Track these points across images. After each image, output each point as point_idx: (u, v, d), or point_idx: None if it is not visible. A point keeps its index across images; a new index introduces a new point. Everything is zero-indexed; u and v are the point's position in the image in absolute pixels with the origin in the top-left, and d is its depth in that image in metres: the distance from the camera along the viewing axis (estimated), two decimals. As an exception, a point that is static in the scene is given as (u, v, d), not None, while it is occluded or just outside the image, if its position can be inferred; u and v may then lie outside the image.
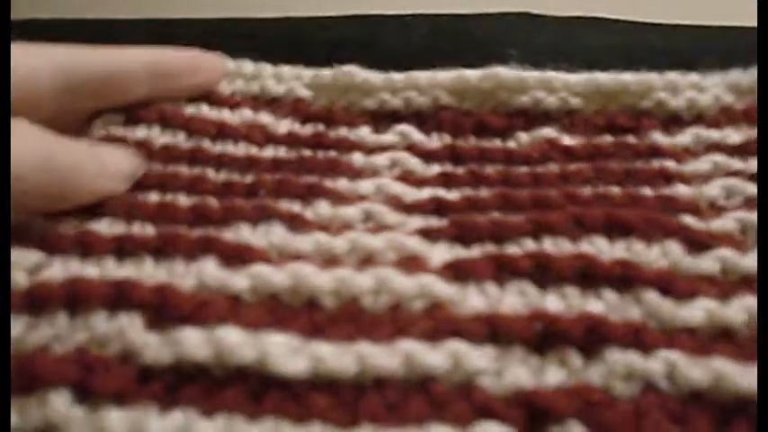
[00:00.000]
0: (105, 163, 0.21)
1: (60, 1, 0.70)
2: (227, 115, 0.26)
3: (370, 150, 0.25)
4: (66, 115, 0.22)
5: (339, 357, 0.17)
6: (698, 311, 0.18)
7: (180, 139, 0.25)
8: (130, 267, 0.19)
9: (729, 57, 0.49)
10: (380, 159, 0.25)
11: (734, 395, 0.16)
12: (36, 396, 0.16)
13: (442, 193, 0.23)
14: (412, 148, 0.26)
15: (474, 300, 0.18)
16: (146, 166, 0.23)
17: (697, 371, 0.16)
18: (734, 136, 0.25)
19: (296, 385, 0.16)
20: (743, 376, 0.16)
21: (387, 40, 0.49)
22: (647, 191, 0.23)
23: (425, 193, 0.23)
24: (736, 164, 0.24)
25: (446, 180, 0.24)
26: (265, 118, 0.27)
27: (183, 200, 0.22)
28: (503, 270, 0.19)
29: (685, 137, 0.25)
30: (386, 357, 0.17)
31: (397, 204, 0.23)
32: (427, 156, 0.25)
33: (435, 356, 0.17)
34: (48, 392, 0.16)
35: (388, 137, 0.26)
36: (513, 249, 0.19)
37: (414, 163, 0.25)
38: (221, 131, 0.26)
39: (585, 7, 0.51)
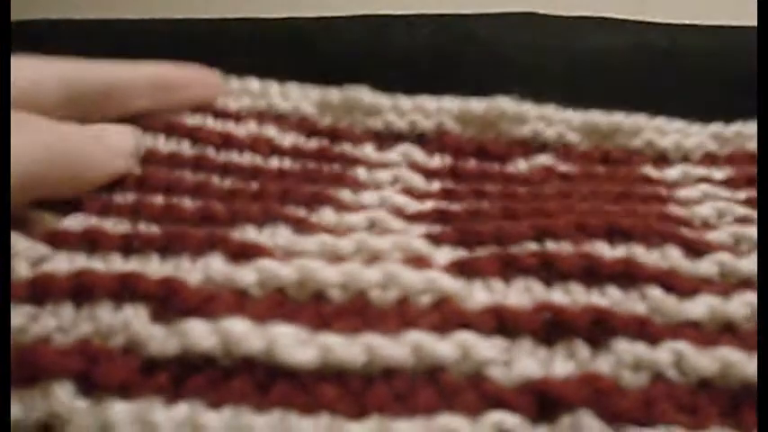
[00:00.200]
0: (110, 142, 0.22)
1: (60, 1, 0.69)
2: (231, 127, 0.27)
3: (374, 166, 0.26)
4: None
5: (347, 347, 0.16)
6: (700, 306, 0.18)
7: (184, 147, 0.25)
8: (137, 263, 0.19)
9: (732, 56, 0.49)
10: (383, 174, 0.25)
11: (741, 382, 0.16)
12: (39, 388, 0.16)
13: (444, 205, 0.24)
14: (414, 166, 0.26)
15: (480, 295, 0.19)
16: (150, 170, 0.24)
17: (704, 359, 0.17)
18: (719, 174, 0.26)
19: (303, 375, 0.16)
20: (750, 364, 0.16)
21: (392, 40, 0.49)
22: (642, 208, 0.23)
23: (428, 204, 0.24)
24: (724, 193, 0.25)
25: (448, 194, 0.25)
26: (271, 131, 0.27)
27: (188, 203, 0.22)
28: (508, 267, 0.19)
29: (674, 171, 0.27)
30: (394, 347, 0.17)
31: (400, 214, 0.23)
32: (429, 173, 0.26)
33: (444, 346, 0.17)
34: (51, 384, 0.16)
35: (392, 155, 0.27)
36: (516, 250, 0.20)
37: (416, 179, 0.25)
38: (226, 141, 0.26)
39: (591, 7, 0.51)
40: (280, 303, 0.18)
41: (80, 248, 0.20)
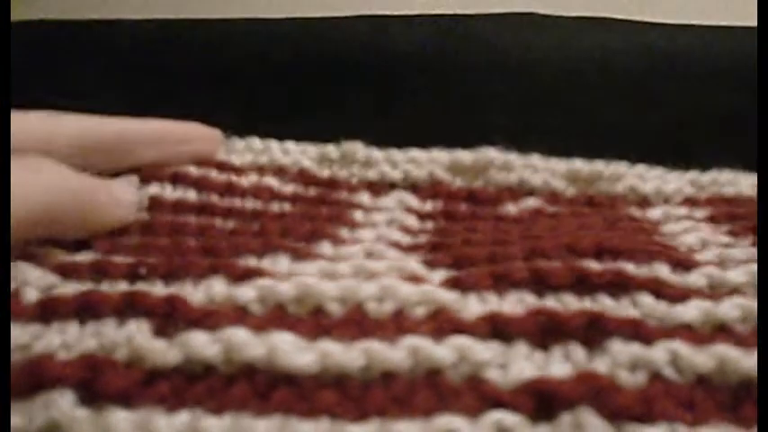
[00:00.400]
0: (114, 191, 0.24)
1: (60, 1, 0.69)
2: (234, 178, 0.28)
3: (370, 210, 0.28)
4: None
5: (346, 352, 0.17)
6: (692, 310, 0.18)
7: (189, 195, 0.27)
8: (142, 287, 0.20)
9: (731, 57, 0.49)
10: (379, 216, 0.27)
11: (739, 378, 0.17)
12: (40, 397, 0.16)
13: (438, 238, 0.25)
14: (409, 210, 0.28)
15: (475, 306, 0.19)
16: (156, 216, 0.25)
17: (701, 357, 0.17)
18: (699, 213, 0.28)
19: (303, 381, 0.17)
20: (746, 359, 0.17)
21: (392, 39, 0.50)
22: (630, 235, 0.24)
23: (422, 238, 0.25)
24: (707, 227, 0.26)
25: (441, 232, 0.26)
26: (271, 181, 0.29)
27: (193, 242, 0.23)
28: (500, 281, 0.20)
29: (657, 211, 0.28)
30: (392, 351, 0.17)
31: (396, 246, 0.24)
32: (423, 216, 0.27)
33: (441, 350, 0.17)
34: (52, 393, 0.16)
35: (387, 201, 0.29)
36: (508, 267, 0.20)
37: (410, 219, 0.27)
38: (229, 189, 0.27)
39: (591, 7, 0.51)
40: (280, 317, 0.18)
41: (88, 278, 0.20)
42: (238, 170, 0.29)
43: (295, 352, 0.17)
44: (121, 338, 0.18)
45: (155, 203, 0.25)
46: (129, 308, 0.18)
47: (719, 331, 0.18)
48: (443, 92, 0.50)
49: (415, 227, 0.26)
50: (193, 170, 0.28)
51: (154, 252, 0.22)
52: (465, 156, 0.30)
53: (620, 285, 0.19)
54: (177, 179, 0.27)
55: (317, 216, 0.26)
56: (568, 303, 0.19)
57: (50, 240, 0.22)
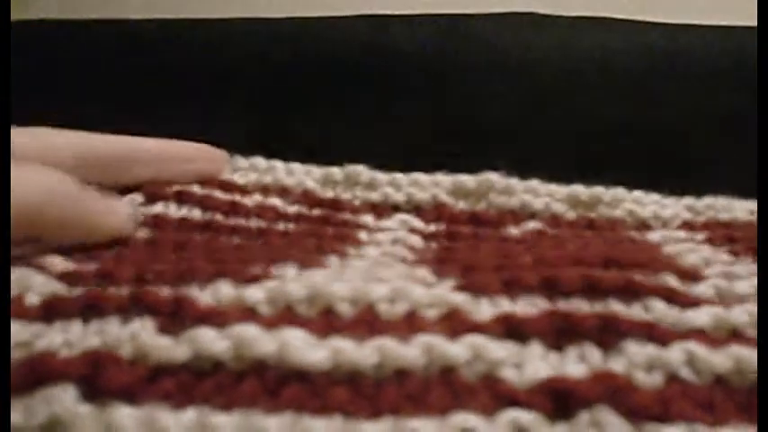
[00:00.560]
0: (113, 204, 0.24)
1: (60, 1, 0.69)
2: (238, 197, 0.29)
3: (374, 230, 0.28)
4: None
5: (359, 349, 0.17)
6: (704, 316, 0.18)
7: (194, 213, 0.27)
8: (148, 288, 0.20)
9: (736, 56, 0.49)
10: (383, 236, 0.27)
11: (756, 378, 0.16)
12: (41, 393, 0.16)
13: (444, 254, 0.25)
14: (413, 230, 0.28)
15: (487, 308, 0.19)
16: (160, 233, 0.25)
17: (718, 357, 0.17)
18: (698, 236, 0.28)
19: (315, 378, 0.16)
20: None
21: (394, 39, 0.49)
22: (634, 251, 0.25)
23: (428, 255, 0.25)
24: (707, 248, 0.26)
25: (446, 249, 0.26)
26: (276, 201, 0.29)
27: (198, 255, 0.23)
28: (511, 286, 0.20)
29: (656, 234, 0.29)
30: (405, 349, 0.17)
31: (403, 260, 0.24)
32: (427, 236, 0.28)
33: (455, 348, 0.17)
34: (54, 389, 0.16)
35: (390, 222, 0.29)
36: (518, 273, 0.21)
37: (414, 240, 0.27)
38: (233, 209, 0.28)
39: (591, 7, 0.51)
40: (289, 318, 0.18)
41: (93, 284, 0.20)
42: (242, 190, 0.29)
43: (307, 348, 0.17)
44: (126, 335, 0.17)
45: (159, 221, 0.26)
46: (134, 306, 0.18)
47: (732, 336, 0.18)
48: (443, 91, 0.50)
49: (420, 246, 0.26)
50: (197, 189, 0.28)
51: (159, 262, 0.22)
52: (467, 180, 0.31)
53: (630, 291, 0.19)
54: (181, 198, 0.27)
55: (322, 234, 0.26)
56: (580, 307, 0.19)
57: (55, 251, 0.22)
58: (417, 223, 0.29)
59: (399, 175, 0.31)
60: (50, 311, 0.18)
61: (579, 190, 0.31)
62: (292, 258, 0.21)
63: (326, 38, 0.50)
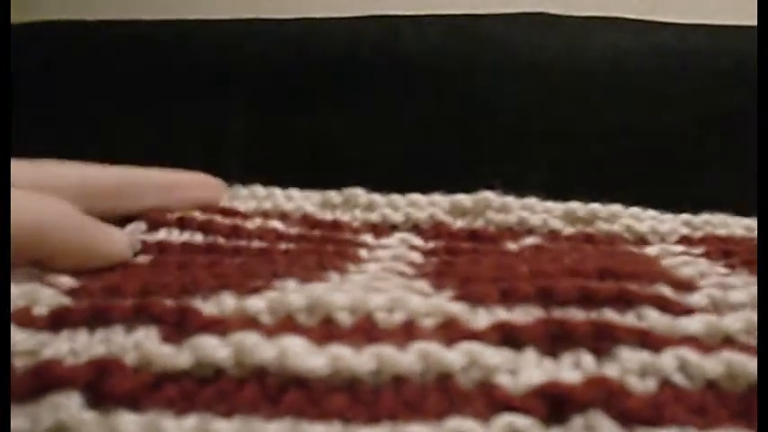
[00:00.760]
0: (112, 232, 0.25)
1: (60, 1, 0.69)
2: (239, 222, 0.29)
3: (374, 248, 0.28)
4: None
5: (357, 356, 0.17)
6: (697, 323, 0.19)
7: (197, 237, 0.28)
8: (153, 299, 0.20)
9: (746, 56, 0.49)
10: (384, 253, 0.27)
11: (748, 384, 0.17)
12: (47, 399, 0.16)
13: (443, 267, 0.26)
14: (412, 248, 0.29)
15: (484, 317, 0.19)
16: (163, 257, 0.26)
17: (709, 362, 0.17)
18: (696, 250, 0.28)
19: (314, 384, 0.17)
20: (754, 365, 0.17)
21: (403, 40, 0.49)
22: (631, 263, 0.25)
23: (428, 269, 0.26)
24: (704, 261, 0.26)
25: (446, 263, 0.26)
26: (276, 224, 0.30)
27: (202, 273, 0.23)
28: (508, 296, 0.20)
29: (654, 248, 0.29)
30: (403, 355, 0.17)
31: (402, 275, 0.24)
32: (427, 252, 0.28)
33: (451, 354, 0.17)
34: (59, 395, 0.16)
35: (390, 240, 0.29)
36: (514, 284, 0.21)
37: (414, 256, 0.27)
38: (235, 232, 0.28)
39: (602, 7, 0.51)
40: (290, 326, 0.19)
41: (100, 297, 0.21)
42: (243, 215, 0.30)
43: (306, 355, 0.17)
44: (130, 344, 0.18)
45: (162, 247, 0.26)
46: (138, 316, 0.19)
47: (725, 342, 0.18)
48: (454, 92, 0.50)
49: (420, 262, 0.27)
50: (199, 215, 0.29)
51: (163, 278, 0.22)
52: (464, 199, 0.32)
53: (625, 300, 0.20)
54: (183, 224, 0.28)
55: (323, 252, 0.27)
56: (575, 316, 0.19)
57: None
58: (417, 241, 0.29)
59: (397, 196, 0.32)
60: (57, 321, 0.19)
61: (576, 207, 0.31)
62: (293, 274, 0.22)
63: (336, 39, 0.49)
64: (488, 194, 0.31)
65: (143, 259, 0.25)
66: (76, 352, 0.18)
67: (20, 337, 0.18)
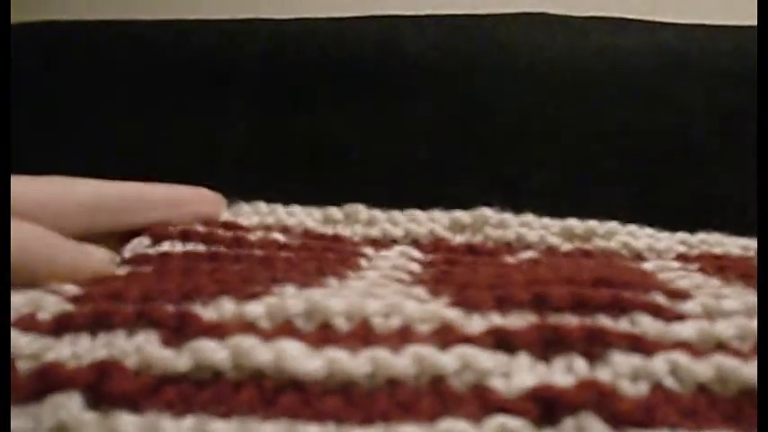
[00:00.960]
0: (91, 250, 0.25)
1: (60, 1, 0.69)
2: (241, 234, 0.30)
3: (374, 259, 0.29)
4: (89, 234, 0.26)
5: (352, 359, 0.17)
6: (689, 329, 0.19)
7: (199, 248, 0.28)
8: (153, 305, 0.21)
9: (747, 56, 0.49)
10: (383, 263, 0.28)
11: (739, 387, 0.17)
12: (48, 400, 0.16)
13: (441, 276, 0.26)
14: (411, 259, 0.29)
15: (478, 322, 0.20)
16: (166, 265, 0.26)
17: (700, 366, 0.17)
18: (692, 267, 0.29)
19: (310, 387, 0.17)
20: (745, 368, 0.17)
21: (403, 40, 0.49)
22: (626, 273, 0.26)
23: (426, 277, 0.26)
24: (699, 276, 0.27)
25: (444, 273, 0.27)
26: (278, 236, 0.30)
27: (203, 278, 0.24)
28: (503, 302, 0.20)
29: (650, 264, 0.29)
30: (397, 359, 0.17)
31: (401, 281, 0.25)
32: (425, 264, 0.29)
33: (445, 358, 0.17)
34: (60, 396, 0.16)
35: (390, 252, 0.30)
36: (510, 290, 0.21)
37: (413, 266, 0.28)
38: (237, 242, 0.29)
39: (603, 7, 0.51)
40: (288, 331, 0.19)
41: (103, 303, 0.21)
42: (245, 228, 0.31)
43: (302, 358, 0.17)
44: (131, 347, 0.18)
45: (165, 257, 0.27)
46: (139, 321, 0.19)
47: (717, 348, 0.18)
48: (453, 92, 0.50)
49: (418, 271, 0.27)
50: (201, 228, 0.29)
51: (165, 284, 0.23)
52: (463, 215, 0.32)
53: (618, 307, 0.20)
54: (187, 236, 0.28)
55: (323, 259, 0.27)
56: (569, 322, 0.19)
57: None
58: (416, 254, 0.30)
59: (397, 213, 0.32)
60: (60, 326, 0.19)
61: (573, 223, 0.32)
62: (293, 279, 0.22)
63: (337, 39, 0.49)
64: (486, 211, 0.32)
65: (146, 269, 0.25)
66: (79, 355, 0.18)
67: (24, 341, 0.18)
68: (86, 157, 0.54)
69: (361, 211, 0.32)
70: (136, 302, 0.20)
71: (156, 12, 0.56)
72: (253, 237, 0.29)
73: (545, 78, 0.50)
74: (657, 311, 0.20)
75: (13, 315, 0.19)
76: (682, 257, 0.30)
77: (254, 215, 0.32)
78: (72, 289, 0.22)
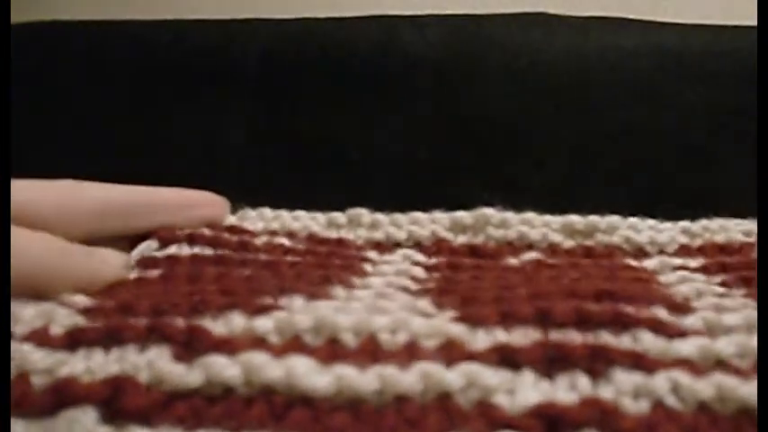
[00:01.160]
0: (105, 256, 0.26)
1: (60, 1, 0.69)
2: (247, 238, 0.30)
3: (378, 263, 0.29)
4: (97, 238, 0.27)
5: (360, 376, 0.18)
6: (690, 346, 0.19)
7: (206, 251, 0.28)
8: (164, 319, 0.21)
9: (748, 56, 0.49)
10: (388, 268, 0.28)
11: (738, 406, 0.17)
12: (63, 415, 0.17)
13: (445, 284, 0.26)
14: (415, 263, 0.30)
15: (484, 338, 0.20)
16: (173, 269, 0.27)
17: (700, 385, 0.17)
18: (693, 263, 0.29)
19: (319, 403, 0.17)
20: (746, 387, 0.17)
21: (403, 40, 0.49)
22: (629, 283, 0.26)
23: (431, 285, 0.26)
24: (701, 278, 0.27)
25: (448, 280, 0.27)
26: (283, 240, 0.31)
27: (211, 286, 0.24)
28: (507, 318, 0.21)
29: (653, 262, 0.29)
30: (404, 376, 0.18)
31: (406, 290, 0.25)
32: (429, 267, 0.29)
33: (451, 375, 0.18)
34: (75, 411, 0.17)
35: (393, 256, 0.30)
36: (514, 306, 0.22)
37: (417, 270, 0.28)
38: (243, 246, 0.29)
39: (603, 7, 0.51)
40: (297, 346, 0.19)
41: (114, 316, 0.21)
42: (251, 233, 0.31)
43: (312, 374, 0.17)
44: (143, 363, 0.18)
45: (172, 260, 0.27)
46: (151, 336, 0.19)
47: (717, 365, 0.19)
48: (453, 92, 0.50)
49: (422, 276, 0.27)
50: (207, 232, 0.30)
51: (174, 295, 0.23)
52: (464, 216, 0.33)
53: (620, 323, 0.20)
54: (193, 240, 0.29)
55: (329, 265, 0.28)
56: (572, 338, 0.20)
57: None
58: (419, 257, 0.30)
59: (399, 215, 0.33)
60: (74, 340, 0.19)
61: (575, 219, 0.32)
62: (300, 290, 0.23)
63: (337, 39, 0.49)
64: (488, 211, 0.32)
65: (154, 273, 0.26)
66: (92, 370, 0.18)
67: (38, 356, 0.19)
68: (86, 157, 0.54)
69: (364, 214, 0.33)
70: (147, 315, 0.21)
71: (156, 12, 0.56)
72: (258, 241, 0.30)
73: (545, 78, 0.50)
74: (659, 328, 0.20)
75: (26, 328, 0.20)
76: (684, 250, 0.30)
77: (259, 220, 0.32)
78: (83, 300, 0.22)
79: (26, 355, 0.18)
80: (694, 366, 0.18)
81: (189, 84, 0.51)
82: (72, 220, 0.25)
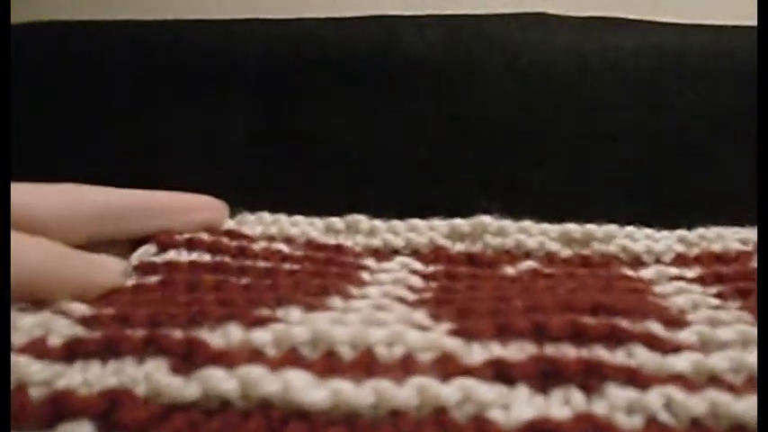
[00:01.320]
0: (104, 262, 0.26)
1: (60, 1, 0.69)
2: (245, 244, 0.30)
3: (376, 272, 0.29)
4: (95, 242, 0.27)
5: (356, 390, 0.18)
6: (684, 361, 0.19)
7: (204, 257, 0.29)
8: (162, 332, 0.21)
9: (748, 56, 0.49)
10: (385, 276, 0.28)
11: (731, 422, 0.17)
12: (60, 428, 0.17)
13: (442, 295, 0.26)
14: (412, 272, 0.30)
15: (479, 352, 0.20)
16: (171, 275, 0.27)
17: (693, 400, 0.18)
18: (690, 273, 0.29)
19: (315, 417, 0.17)
20: (738, 404, 0.17)
21: (403, 40, 0.49)
22: (625, 295, 0.26)
23: (428, 295, 0.26)
24: (697, 288, 0.27)
25: (445, 289, 0.27)
26: (281, 246, 0.31)
27: (209, 295, 0.24)
28: (503, 331, 0.21)
29: (649, 271, 0.30)
30: (400, 390, 0.18)
31: (403, 301, 0.25)
32: (426, 276, 0.29)
33: (447, 390, 0.18)
34: (72, 424, 0.17)
35: (391, 264, 0.31)
36: (510, 319, 0.22)
37: (414, 279, 0.28)
38: (241, 252, 0.29)
39: (603, 7, 0.51)
40: (294, 359, 0.19)
41: (112, 327, 0.21)
42: (249, 238, 0.31)
43: (308, 388, 0.18)
44: (141, 375, 0.19)
45: (171, 266, 0.27)
46: (149, 348, 0.19)
47: (711, 381, 0.19)
48: (453, 92, 0.50)
49: (420, 286, 0.28)
50: (206, 236, 0.30)
51: (172, 305, 0.23)
52: (462, 224, 0.33)
53: (615, 338, 0.20)
54: (192, 245, 0.29)
55: (326, 274, 0.28)
56: (567, 353, 0.20)
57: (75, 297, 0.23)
58: (417, 265, 0.30)
59: (397, 222, 0.33)
60: (71, 352, 0.20)
61: (571, 228, 0.32)
62: (297, 301, 0.23)
63: (337, 39, 0.49)
64: (485, 218, 0.32)
65: (153, 279, 0.26)
66: (89, 383, 0.19)
67: (36, 368, 0.19)
68: (86, 157, 0.54)
69: (362, 221, 0.33)
70: (144, 326, 0.21)
71: (155, 12, 0.56)
72: (256, 247, 0.30)
73: (545, 78, 0.50)
74: (653, 343, 0.20)
75: (25, 338, 0.20)
76: (680, 260, 0.31)
77: (257, 225, 0.33)
78: (81, 309, 0.22)
79: (24, 367, 0.18)
80: (688, 382, 0.19)
81: (188, 84, 0.51)
82: (71, 224, 0.25)
